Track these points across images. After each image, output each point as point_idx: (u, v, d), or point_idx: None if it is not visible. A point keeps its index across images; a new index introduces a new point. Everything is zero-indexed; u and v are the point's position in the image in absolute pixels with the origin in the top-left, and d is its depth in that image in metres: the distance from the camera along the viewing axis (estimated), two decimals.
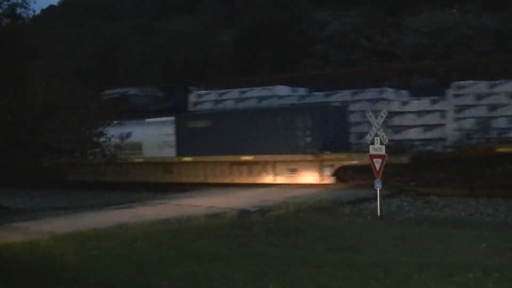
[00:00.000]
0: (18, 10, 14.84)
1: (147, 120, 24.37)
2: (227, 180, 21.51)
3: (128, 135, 23.30)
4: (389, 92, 22.15)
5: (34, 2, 22.78)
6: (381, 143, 13.96)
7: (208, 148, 21.71)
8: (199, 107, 25.98)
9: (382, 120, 14.06)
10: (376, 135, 14.04)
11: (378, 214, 13.74)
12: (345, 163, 19.23)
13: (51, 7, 63.89)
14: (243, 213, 13.91)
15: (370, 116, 14.28)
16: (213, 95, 25.93)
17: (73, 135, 18.42)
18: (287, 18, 36.61)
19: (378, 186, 13.78)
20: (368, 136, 14.29)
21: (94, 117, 19.22)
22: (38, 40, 15.99)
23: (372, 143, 14.14)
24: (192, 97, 26.36)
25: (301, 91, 24.50)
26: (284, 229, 11.51)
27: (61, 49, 33.76)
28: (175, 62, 36.79)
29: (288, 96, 23.96)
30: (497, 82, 20.00)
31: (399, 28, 32.40)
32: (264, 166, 20.85)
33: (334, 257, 9.03)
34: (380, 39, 32.77)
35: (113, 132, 20.58)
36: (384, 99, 21.36)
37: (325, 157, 19.40)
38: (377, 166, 13.92)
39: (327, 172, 19.52)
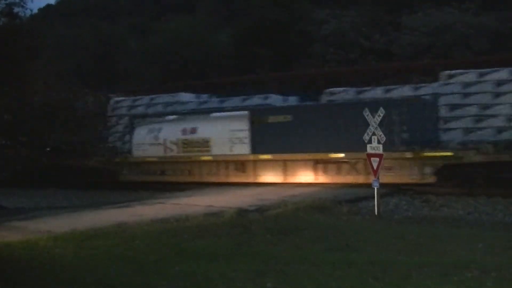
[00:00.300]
0: (16, 9, 14.82)
1: (214, 114, 23.00)
2: (311, 179, 20.19)
3: (194, 130, 22.66)
4: (274, 99, 23.04)
5: (32, 1, 22.67)
6: (378, 142, 14.02)
7: (288, 144, 20.33)
8: (116, 112, 27.11)
9: (379, 119, 14.10)
10: (374, 134, 14.11)
11: (376, 213, 13.78)
12: (450, 161, 17.71)
13: (48, 6, 63.78)
14: (242, 212, 13.91)
15: (368, 115, 14.33)
16: (128, 101, 27.39)
17: (73, 135, 18.42)
18: (287, 18, 36.61)
19: (375, 185, 13.82)
20: (365, 135, 14.35)
21: (93, 117, 19.26)
22: (37, 39, 15.96)
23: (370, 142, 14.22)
24: (111, 103, 27.65)
25: (204, 97, 25.56)
26: (283, 228, 11.51)
27: (60, 49, 33.78)
28: (175, 61, 36.73)
29: (191, 102, 25.13)
30: (364, 88, 20.93)
31: (398, 27, 32.42)
32: (354, 165, 19.38)
33: (333, 256, 9.04)
34: (379, 38, 32.78)
35: (174, 127, 20.49)
36: (268, 105, 22.40)
37: (426, 155, 18.02)
38: (375, 165, 13.98)
39: (428, 170, 18.08)
